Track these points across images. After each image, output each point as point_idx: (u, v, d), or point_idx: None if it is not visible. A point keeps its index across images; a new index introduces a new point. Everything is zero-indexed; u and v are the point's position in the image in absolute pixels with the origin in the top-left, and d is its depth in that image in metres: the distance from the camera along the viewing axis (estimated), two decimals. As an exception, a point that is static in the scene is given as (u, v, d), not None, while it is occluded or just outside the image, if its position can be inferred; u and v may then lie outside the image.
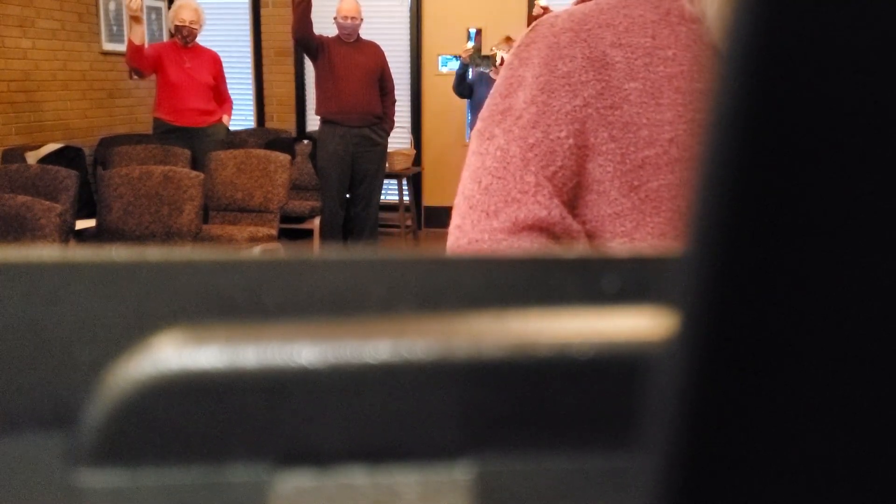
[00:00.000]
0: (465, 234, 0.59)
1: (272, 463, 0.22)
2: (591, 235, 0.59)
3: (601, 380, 0.22)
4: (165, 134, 4.85)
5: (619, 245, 0.57)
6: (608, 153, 0.58)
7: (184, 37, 4.80)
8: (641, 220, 0.57)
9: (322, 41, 4.74)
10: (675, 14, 0.59)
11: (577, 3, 0.65)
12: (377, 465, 0.22)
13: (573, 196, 0.59)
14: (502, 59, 5.00)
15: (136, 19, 4.59)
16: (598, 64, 0.59)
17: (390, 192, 5.83)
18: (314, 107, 5.09)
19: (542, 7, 4.56)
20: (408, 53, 6.43)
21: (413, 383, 0.22)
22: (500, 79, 0.63)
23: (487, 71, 5.29)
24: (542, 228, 0.57)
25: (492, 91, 0.63)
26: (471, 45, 5.60)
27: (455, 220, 0.61)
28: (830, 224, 0.12)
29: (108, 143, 5.36)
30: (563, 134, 0.58)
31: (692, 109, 0.57)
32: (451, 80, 5.65)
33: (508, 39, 5.16)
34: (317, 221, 5.11)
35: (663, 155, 0.57)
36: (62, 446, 0.23)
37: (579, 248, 0.57)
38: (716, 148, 0.12)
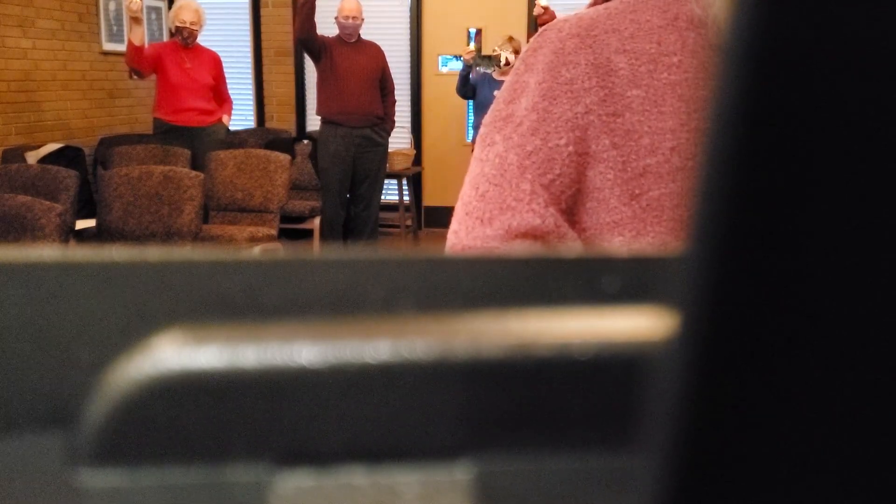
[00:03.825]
0: (459, 241, 0.60)
1: (272, 463, 0.22)
2: (589, 243, 0.59)
3: (601, 380, 0.22)
4: (165, 134, 4.85)
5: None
6: (609, 161, 0.57)
7: (184, 38, 4.80)
8: (642, 230, 0.57)
9: (324, 42, 4.73)
10: (684, 19, 0.58)
11: (589, 6, 0.65)
12: (377, 465, 0.22)
13: (572, 203, 0.59)
14: (507, 60, 4.99)
15: (135, 20, 4.59)
16: (602, 70, 0.58)
17: (390, 192, 5.83)
18: (314, 107, 5.09)
19: (542, 7, 4.55)
20: (408, 53, 6.43)
21: (413, 383, 0.22)
22: (506, 83, 0.63)
23: (490, 71, 5.27)
24: (535, 237, 0.57)
25: (497, 96, 0.64)
26: (472, 46, 5.59)
27: (453, 224, 0.62)
28: (830, 224, 0.12)
29: (108, 143, 5.36)
30: (562, 141, 0.58)
31: (695, 117, 0.57)
32: (451, 80, 5.64)
33: (511, 39, 5.15)
34: (317, 221, 5.11)
35: (665, 164, 0.56)
36: (62, 446, 0.23)
37: (577, 249, 0.56)
38: (716, 148, 0.12)
